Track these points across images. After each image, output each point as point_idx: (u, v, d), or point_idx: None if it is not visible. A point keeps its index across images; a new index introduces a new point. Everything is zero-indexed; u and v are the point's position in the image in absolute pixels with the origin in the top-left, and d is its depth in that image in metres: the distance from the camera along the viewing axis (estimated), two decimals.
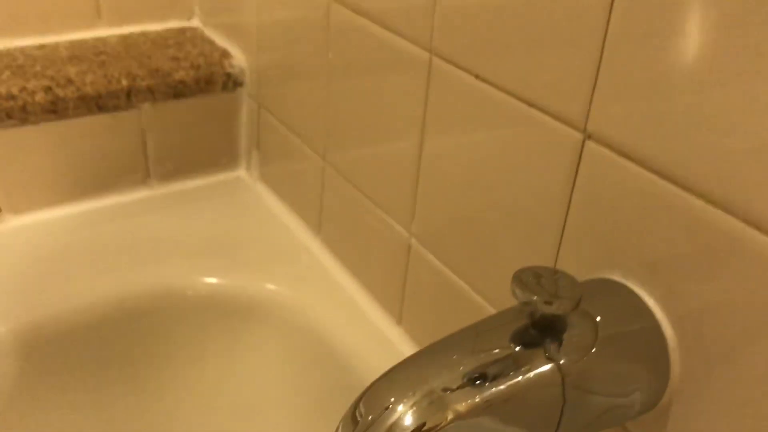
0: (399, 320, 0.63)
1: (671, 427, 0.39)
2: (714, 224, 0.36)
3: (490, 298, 0.52)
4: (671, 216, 0.38)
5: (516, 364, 0.36)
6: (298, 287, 0.69)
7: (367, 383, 0.61)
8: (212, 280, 0.70)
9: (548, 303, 0.35)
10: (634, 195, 0.39)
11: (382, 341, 0.63)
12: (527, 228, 0.47)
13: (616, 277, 0.41)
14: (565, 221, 0.44)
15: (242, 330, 0.69)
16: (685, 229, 0.37)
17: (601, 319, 0.38)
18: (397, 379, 0.36)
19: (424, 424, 0.34)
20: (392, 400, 0.35)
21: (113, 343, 0.68)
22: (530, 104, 0.45)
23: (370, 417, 0.35)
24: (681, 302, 0.38)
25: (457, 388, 0.35)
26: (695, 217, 0.36)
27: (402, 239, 0.60)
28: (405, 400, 0.35)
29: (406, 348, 0.62)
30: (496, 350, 0.36)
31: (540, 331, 0.37)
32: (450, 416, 0.34)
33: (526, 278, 0.36)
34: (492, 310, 0.52)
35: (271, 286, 0.69)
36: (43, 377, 0.66)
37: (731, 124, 0.34)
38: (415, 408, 0.34)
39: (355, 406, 0.36)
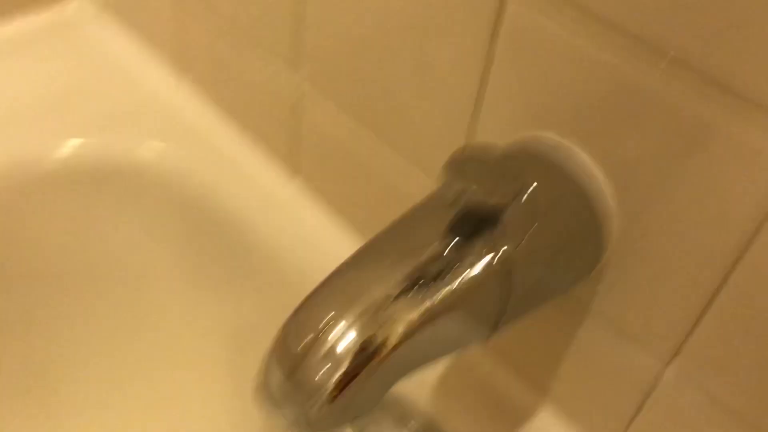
0: (295, 172, 0.58)
1: (609, 291, 0.38)
2: (637, 76, 0.32)
3: (399, 148, 0.48)
4: (598, 68, 0.33)
5: (455, 262, 0.32)
6: (174, 146, 0.61)
7: (264, 245, 0.57)
8: (72, 143, 0.60)
9: (489, 194, 0.31)
10: (563, 44, 0.35)
11: (276, 197, 0.58)
12: (444, 79, 0.42)
13: (547, 134, 0.38)
14: (489, 71, 0.39)
15: (113, 202, 0.62)
16: (611, 82, 0.33)
17: (536, 186, 0.35)
18: (329, 293, 0.32)
19: (371, 338, 0.31)
20: (329, 317, 0.31)
21: None
22: None
23: (305, 341, 0.31)
24: (615, 158, 0.35)
25: (400, 294, 0.31)
26: (619, 70, 0.32)
27: (290, 83, 0.53)
28: (344, 316, 0.31)
29: (304, 202, 0.58)
30: (432, 247, 0.33)
31: (477, 220, 0.33)
32: (400, 329, 0.31)
33: (462, 164, 0.32)
34: (402, 159, 0.48)
35: (141, 150, 0.61)
36: None
37: None
38: (357, 323, 0.31)
39: (284, 333, 0.32)
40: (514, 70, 0.38)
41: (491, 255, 0.32)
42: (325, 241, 0.55)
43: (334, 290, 0.32)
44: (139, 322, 0.67)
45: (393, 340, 0.31)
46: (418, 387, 0.48)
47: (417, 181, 0.47)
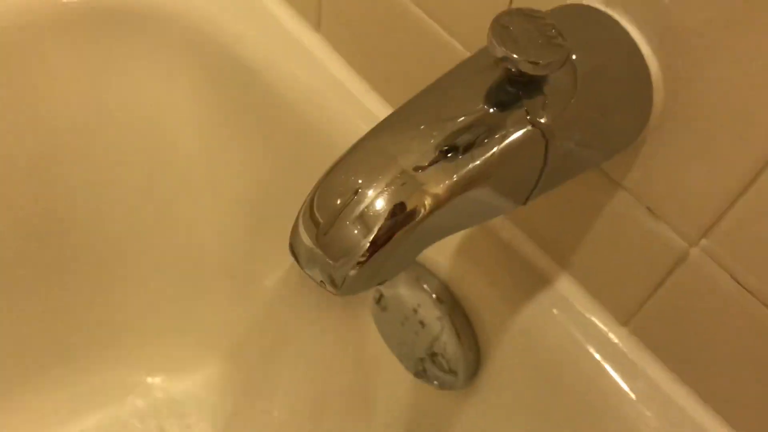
0: (317, 26, 0.56)
1: (645, 165, 0.37)
2: None
3: (433, 12, 0.45)
4: None
5: (492, 130, 0.31)
6: None
7: (285, 98, 0.56)
8: None
9: (534, 63, 0.30)
10: None
11: (298, 49, 0.56)
12: None
13: (592, 2, 0.35)
14: None
15: (130, 45, 0.59)
16: None
17: (577, 58, 0.33)
18: (360, 158, 0.31)
19: (401, 206, 0.30)
20: (360, 182, 0.30)
21: None
22: None
23: (334, 206, 0.30)
24: (663, 25, 0.33)
25: (430, 165, 0.30)
26: None
27: None
28: (375, 182, 0.30)
29: (325, 56, 0.56)
30: (468, 114, 0.31)
31: (518, 88, 0.32)
32: (431, 197, 0.30)
33: (506, 28, 0.30)
34: (434, 26, 0.46)
35: None
36: None
37: None
38: (388, 190, 0.30)
39: (314, 197, 0.31)
40: None
41: (530, 125, 0.31)
42: (347, 98, 0.54)
43: (365, 155, 0.31)
44: (157, 169, 0.66)
45: (423, 209, 0.31)
46: (438, 248, 0.48)
47: (449, 51, 0.45)
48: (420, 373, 0.54)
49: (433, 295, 0.51)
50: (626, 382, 0.43)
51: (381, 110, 0.52)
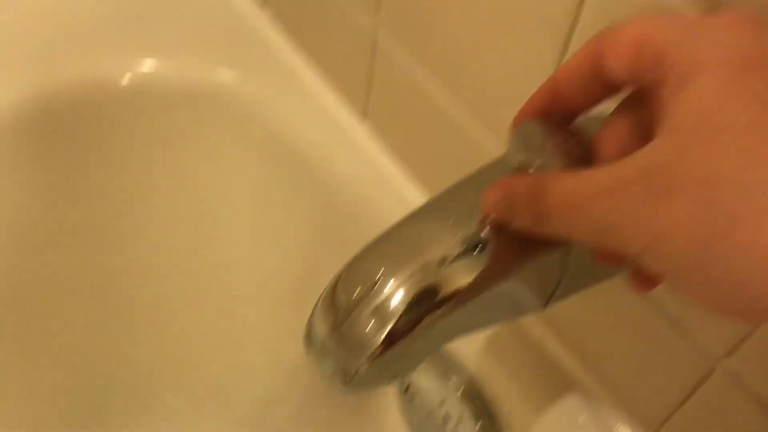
0: (364, 116, 0.57)
1: None
2: None
3: (471, 103, 0.46)
4: None
5: None
6: (249, 75, 0.61)
7: (331, 184, 0.57)
8: (149, 63, 0.61)
9: (553, 168, 0.30)
10: None
11: (345, 136, 0.58)
12: (524, 35, 0.40)
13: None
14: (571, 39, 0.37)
15: (185, 125, 0.62)
16: None
17: None
18: (384, 249, 0.32)
19: (420, 299, 0.30)
20: (381, 273, 0.30)
21: (31, 152, 0.60)
22: None
23: (353, 295, 0.31)
24: None
25: (455, 259, 0.30)
26: None
27: (365, 29, 0.52)
28: (396, 273, 0.30)
29: (371, 146, 0.57)
30: None
31: None
32: (451, 291, 0.30)
33: (527, 133, 0.31)
34: (471, 118, 0.47)
35: (221, 75, 0.60)
36: None
37: None
38: (408, 282, 0.30)
39: (334, 285, 0.31)
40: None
41: None
42: (388, 186, 0.55)
43: (389, 246, 0.32)
44: (203, 242, 0.68)
45: (443, 304, 0.30)
46: (466, 343, 0.48)
47: (484, 139, 0.46)
48: None
49: (458, 392, 0.50)
50: None
51: (420, 199, 0.53)
